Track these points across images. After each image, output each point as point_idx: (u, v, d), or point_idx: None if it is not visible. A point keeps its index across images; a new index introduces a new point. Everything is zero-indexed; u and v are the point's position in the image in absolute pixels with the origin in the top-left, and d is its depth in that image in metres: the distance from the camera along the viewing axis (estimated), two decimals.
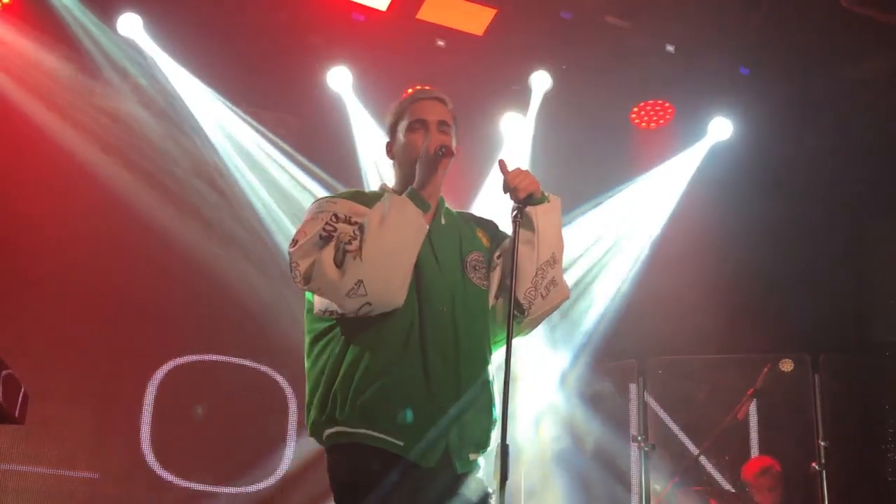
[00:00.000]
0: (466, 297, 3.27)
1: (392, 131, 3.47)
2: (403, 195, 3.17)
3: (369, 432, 3.05)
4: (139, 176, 7.34)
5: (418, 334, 3.14)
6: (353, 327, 3.12)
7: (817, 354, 6.90)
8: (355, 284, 2.99)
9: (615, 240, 8.39)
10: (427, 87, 3.50)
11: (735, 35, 7.57)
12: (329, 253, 3.03)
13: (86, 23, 7.08)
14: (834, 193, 7.92)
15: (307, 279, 3.05)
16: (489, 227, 3.55)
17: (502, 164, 3.32)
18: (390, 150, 3.49)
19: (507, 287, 3.23)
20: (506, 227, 3.40)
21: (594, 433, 7.73)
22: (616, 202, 8.39)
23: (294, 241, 3.13)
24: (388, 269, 3.05)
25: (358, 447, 3.06)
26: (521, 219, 3.20)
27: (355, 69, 7.69)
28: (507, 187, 3.24)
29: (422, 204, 3.16)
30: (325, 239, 3.06)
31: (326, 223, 3.09)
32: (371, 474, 3.03)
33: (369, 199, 3.28)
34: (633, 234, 8.39)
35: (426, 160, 3.23)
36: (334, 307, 3.08)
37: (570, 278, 8.02)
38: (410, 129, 3.37)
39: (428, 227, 3.19)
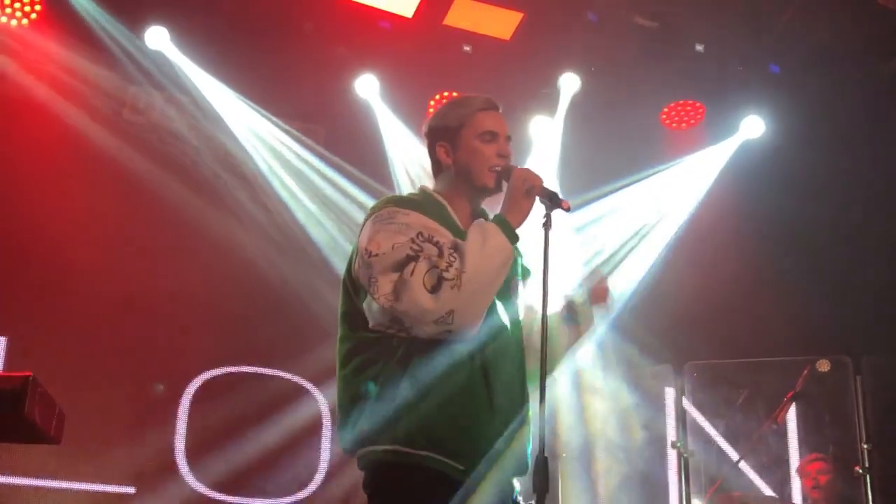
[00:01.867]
0: (514, 318, 3.28)
1: (452, 134, 3.34)
2: (495, 224, 3.10)
3: (432, 455, 2.99)
4: (175, 183, 7.36)
5: (481, 355, 3.10)
6: (415, 344, 3.04)
7: (859, 356, 6.82)
8: (447, 314, 2.93)
9: (640, 233, 8.32)
10: (485, 95, 3.43)
11: (765, 33, 7.52)
12: (419, 275, 2.93)
13: (115, 34, 7.13)
14: (871, 192, 7.80)
15: (395, 298, 2.94)
16: (517, 251, 3.46)
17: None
18: (445, 153, 3.36)
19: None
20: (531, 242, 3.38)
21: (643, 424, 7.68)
22: (640, 193, 8.32)
23: (369, 252, 3.02)
24: (480, 301, 3.01)
25: (413, 468, 3.00)
26: (549, 225, 3.16)
27: (383, 77, 7.68)
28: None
29: (512, 235, 3.10)
30: (411, 258, 2.97)
31: (413, 241, 3.00)
32: (423, 494, 2.99)
33: (428, 210, 3.20)
34: (658, 228, 8.33)
35: (527, 193, 3.16)
36: (402, 326, 2.99)
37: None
38: (482, 139, 3.30)
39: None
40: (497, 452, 3.08)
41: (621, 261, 8.23)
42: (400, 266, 2.97)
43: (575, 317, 3.35)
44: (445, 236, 3.07)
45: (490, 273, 3.01)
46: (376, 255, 3.00)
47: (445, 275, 2.93)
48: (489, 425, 3.07)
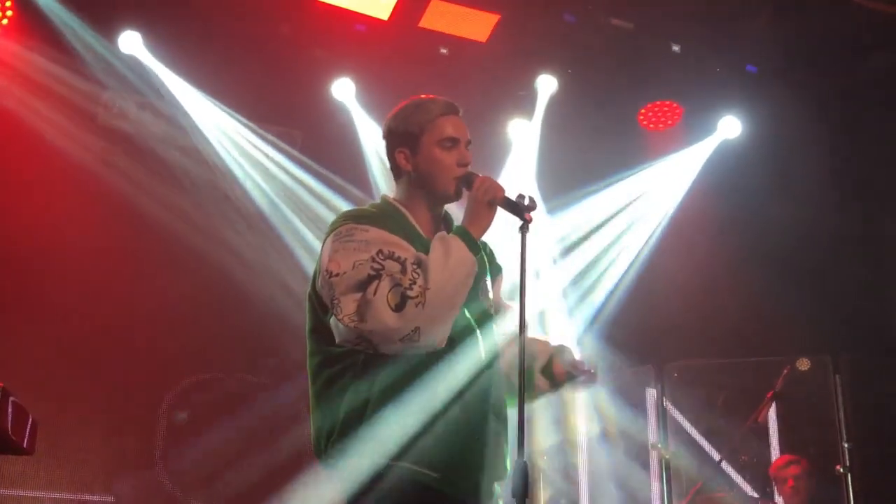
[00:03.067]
0: (485, 321, 3.24)
1: (412, 140, 3.27)
2: (457, 237, 3.07)
3: (407, 465, 2.97)
4: (149, 191, 7.31)
5: (450, 363, 3.07)
6: (383, 356, 3.01)
7: (838, 355, 6.83)
8: (412, 331, 2.91)
9: (619, 235, 8.33)
10: (445, 98, 3.37)
11: (741, 33, 7.52)
12: (382, 295, 2.90)
13: (87, 39, 7.07)
14: (848, 191, 7.83)
15: (360, 319, 2.91)
16: (487, 250, 3.46)
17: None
18: (405, 159, 3.28)
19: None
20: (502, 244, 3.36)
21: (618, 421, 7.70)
22: (619, 194, 8.33)
23: (329, 272, 2.99)
24: (446, 316, 2.99)
25: (389, 479, 2.97)
26: (526, 228, 3.12)
27: (359, 80, 7.66)
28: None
29: (475, 247, 3.07)
30: (373, 277, 2.94)
31: (374, 259, 2.96)
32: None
33: (388, 221, 3.16)
34: (636, 228, 8.34)
35: (489, 204, 3.14)
36: (369, 343, 2.96)
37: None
38: (443, 146, 3.24)
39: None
40: (474, 458, 3.07)
41: (599, 262, 8.24)
42: (362, 285, 2.94)
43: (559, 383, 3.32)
44: (407, 251, 3.03)
45: (454, 287, 2.98)
46: (337, 274, 2.97)
47: (409, 293, 2.90)
48: (463, 432, 3.05)
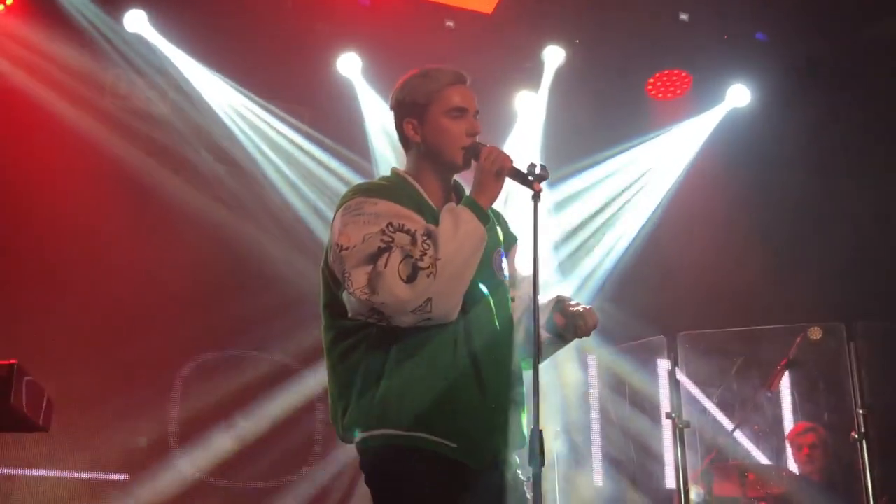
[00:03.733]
0: (499, 292, 3.24)
1: (419, 110, 3.26)
2: (466, 208, 3.06)
3: (423, 435, 2.98)
4: (158, 167, 7.35)
5: (464, 334, 3.08)
6: (396, 329, 3.02)
7: (852, 322, 6.80)
8: (424, 302, 2.92)
9: (627, 204, 8.33)
10: (454, 68, 3.35)
11: (750, 0, 7.45)
12: (393, 267, 2.91)
13: (93, 18, 7.07)
14: (858, 158, 7.78)
15: (371, 291, 2.92)
16: (501, 220, 3.48)
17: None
18: (413, 130, 3.28)
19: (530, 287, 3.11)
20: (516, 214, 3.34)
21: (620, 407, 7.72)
22: (627, 163, 8.33)
23: (340, 247, 3.00)
24: (456, 287, 3.00)
25: (406, 449, 2.99)
26: (538, 198, 3.12)
27: (364, 54, 7.62)
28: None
29: (484, 217, 3.07)
30: (384, 250, 2.94)
31: (383, 232, 2.97)
32: (421, 476, 2.98)
33: (398, 195, 3.15)
34: (646, 198, 8.33)
35: (497, 173, 3.13)
36: (382, 315, 2.97)
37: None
38: (451, 115, 3.23)
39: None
40: (492, 428, 3.08)
41: (608, 231, 8.24)
42: (373, 258, 2.95)
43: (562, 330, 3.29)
44: (417, 223, 3.04)
45: (464, 258, 2.99)
46: (347, 248, 2.98)
47: (420, 263, 2.91)
48: (479, 402, 3.06)
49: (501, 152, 3.16)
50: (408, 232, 2.99)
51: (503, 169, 3.13)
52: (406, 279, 2.91)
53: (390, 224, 2.99)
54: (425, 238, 2.97)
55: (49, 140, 7.01)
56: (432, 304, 2.93)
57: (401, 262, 2.92)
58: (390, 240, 2.96)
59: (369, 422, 3.03)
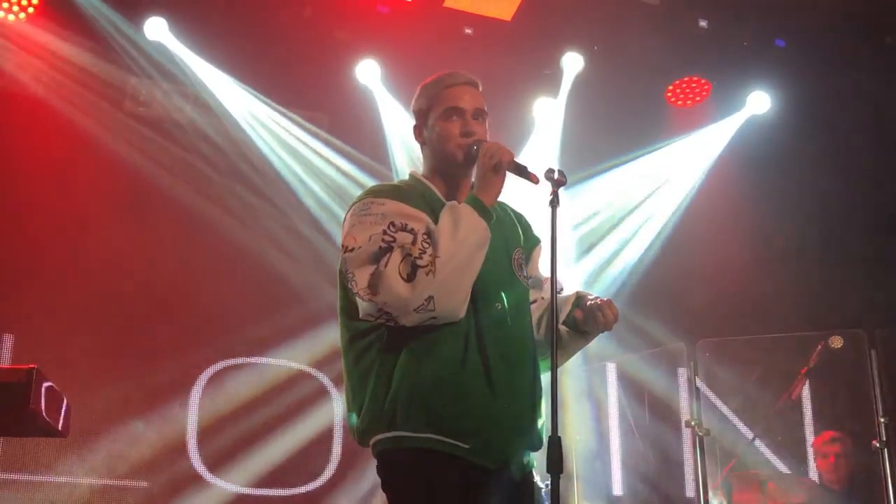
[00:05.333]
0: (516, 293, 3.23)
1: (422, 115, 3.34)
2: (467, 205, 3.06)
3: (434, 436, 2.98)
4: (178, 173, 7.37)
5: (475, 334, 3.07)
6: (405, 330, 3.01)
7: (873, 330, 6.75)
8: (426, 300, 2.92)
9: (646, 211, 8.32)
10: (460, 71, 3.37)
11: (768, 6, 7.42)
12: (394, 266, 2.92)
13: (113, 26, 7.11)
14: (878, 164, 7.73)
15: (372, 292, 2.94)
16: (523, 222, 3.50)
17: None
18: (420, 134, 3.36)
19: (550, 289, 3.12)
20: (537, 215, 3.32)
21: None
22: (646, 170, 8.31)
23: (345, 248, 3.03)
24: (458, 284, 2.98)
25: (419, 451, 2.99)
26: (556, 203, 3.12)
27: (383, 62, 7.63)
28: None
29: (486, 214, 3.06)
30: (385, 250, 2.96)
31: (385, 232, 2.99)
32: (433, 478, 2.97)
33: (409, 195, 3.17)
34: (665, 205, 8.32)
35: (495, 168, 3.12)
36: (389, 316, 2.98)
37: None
38: (445, 117, 3.26)
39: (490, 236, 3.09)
40: (505, 428, 3.06)
41: (627, 238, 8.22)
42: (376, 258, 2.96)
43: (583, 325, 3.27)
44: (421, 222, 3.04)
45: (466, 254, 2.98)
46: (352, 249, 3.01)
47: (419, 262, 2.92)
48: (490, 403, 3.04)
49: (500, 147, 3.16)
50: (410, 231, 3.00)
51: (501, 163, 3.11)
52: (406, 278, 2.91)
53: (392, 224, 3.01)
54: (425, 237, 2.98)
55: (68, 146, 7.06)
56: (434, 301, 2.92)
57: (401, 261, 2.93)
58: (392, 239, 2.98)
59: (381, 424, 3.03)
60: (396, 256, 2.94)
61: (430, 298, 2.91)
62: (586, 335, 3.30)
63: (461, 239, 2.97)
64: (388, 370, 3.03)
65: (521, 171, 3.15)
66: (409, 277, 2.91)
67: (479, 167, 3.16)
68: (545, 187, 3.15)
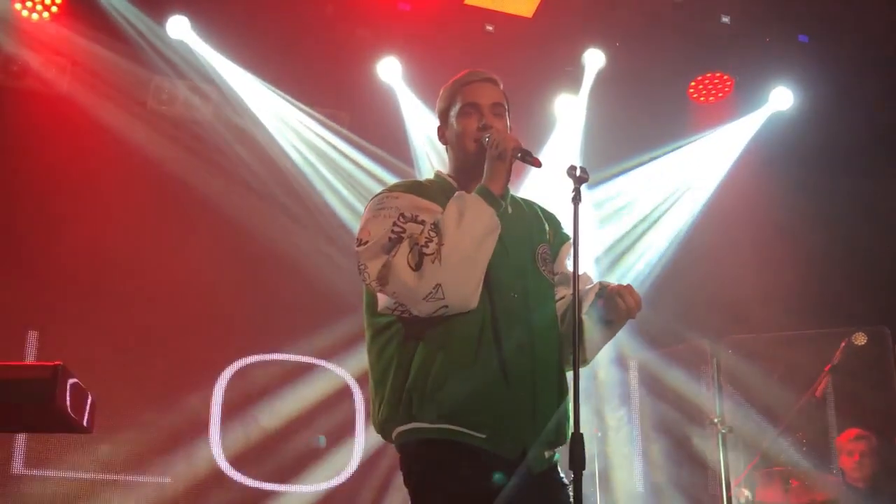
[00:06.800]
0: (537, 286, 3.24)
1: (444, 116, 3.40)
2: (475, 194, 3.08)
3: (450, 427, 2.99)
4: (200, 173, 7.38)
5: (491, 325, 3.08)
6: (422, 322, 3.04)
7: None
8: (434, 288, 2.94)
9: (669, 207, 8.28)
10: (478, 69, 3.39)
11: (791, 1, 7.37)
12: (402, 255, 2.96)
13: (136, 24, 7.15)
14: None
15: (382, 282, 2.99)
16: (553, 221, 3.52)
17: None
18: (443, 134, 3.43)
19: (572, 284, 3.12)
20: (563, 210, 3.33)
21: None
22: (669, 167, 8.28)
23: (359, 241, 3.07)
24: (466, 271, 2.99)
25: (437, 442, 3.01)
26: (578, 199, 3.11)
27: (405, 59, 7.63)
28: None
29: (494, 202, 3.07)
30: (395, 241, 3.00)
31: (395, 223, 3.03)
32: (452, 469, 2.99)
33: (429, 190, 3.22)
34: (688, 201, 8.29)
35: (499, 156, 3.13)
36: (403, 307, 3.03)
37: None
38: (462, 113, 3.30)
39: (500, 225, 3.10)
40: (521, 419, 3.07)
41: (651, 235, 8.20)
42: (386, 250, 3.01)
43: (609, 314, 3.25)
44: (432, 213, 3.07)
45: (472, 242, 2.99)
46: (366, 242, 3.05)
47: (425, 250, 2.95)
48: (504, 392, 3.04)
49: (504, 135, 3.18)
50: (420, 222, 3.04)
51: (506, 151, 3.12)
52: (414, 267, 2.95)
53: (402, 215, 3.06)
54: (433, 226, 3.01)
55: (92, 145, 7.10)
56: (443, 290, 2.94)
57: (409, 251, 2.97)
58: (401, 230, 3.02)
59: (400, 415, 3.05)
60: (405, 247, 2.98)
61: (438, 286, 2.94)
62: (611, 324, 3.28)
63: (466, 226, 2.99)
64: (406, 362, 3.06)
65: (525, 157, 3.16)
66: (417, 266, 2.95)
67: (487, 157, 3.17)
68: (568, 184, 3.14)
